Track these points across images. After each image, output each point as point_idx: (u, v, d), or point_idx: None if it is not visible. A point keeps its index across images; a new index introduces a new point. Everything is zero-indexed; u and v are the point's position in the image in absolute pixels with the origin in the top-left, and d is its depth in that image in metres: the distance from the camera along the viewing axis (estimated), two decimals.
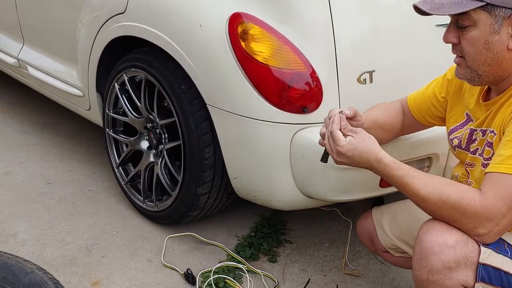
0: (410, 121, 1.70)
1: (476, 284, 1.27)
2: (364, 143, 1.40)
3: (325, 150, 1.52)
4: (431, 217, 1.63)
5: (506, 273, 1.28)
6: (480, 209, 1.23)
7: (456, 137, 1.52)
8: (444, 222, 1.31)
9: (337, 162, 1.45)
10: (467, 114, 1.50)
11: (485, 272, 1.26)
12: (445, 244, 1.26)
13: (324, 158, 1.54)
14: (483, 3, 1.26)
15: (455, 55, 1.38)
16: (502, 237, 1.32)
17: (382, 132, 1.64)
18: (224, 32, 1.80)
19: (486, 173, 1.29)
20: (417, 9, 1.36)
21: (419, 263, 1.30)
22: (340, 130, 1.42)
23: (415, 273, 1.32)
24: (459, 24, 1.31)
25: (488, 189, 1.25)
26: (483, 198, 1.24)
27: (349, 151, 1.39)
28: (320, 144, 1.53)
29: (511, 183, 1.23)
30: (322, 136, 1.51)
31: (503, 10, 1.26)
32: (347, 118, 1.46)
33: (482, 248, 1.27)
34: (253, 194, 1.96)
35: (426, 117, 1.66)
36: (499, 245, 1.30)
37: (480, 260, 1.26)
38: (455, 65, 1.42)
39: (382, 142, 1.67)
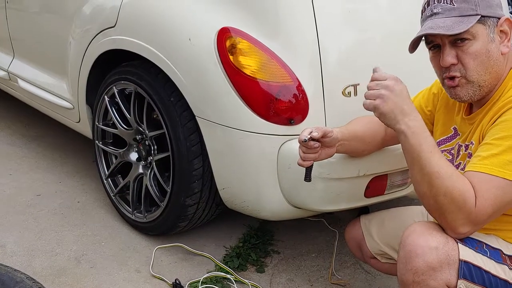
0: (393, 133, 1.74)
1: (458, 281, 1.30)
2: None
3: (306, 169, 1.55)
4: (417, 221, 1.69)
5: (487, 272, 1.32)
6: (473, 209, 1.27)
7: (445, 150, 1.56)
8: (433, 214, 1.33)
9: (379, 97, 1.37)
10: (454, 128, 1.55)
11: (466, 269, 1.30)
12: (428, 246, 1.30)
13: (308, 177, 1.57)
14: (479, 16, 1.35)
15: (450, 78, 1.39)
16: (480, 238, 1.37)
17: (362, 144, 1.69)
18: (212, 46, 1.84)
19: (466, 172, 1.32)
20: (414, 45, 1.43)
21: (404, 267, 1.33)
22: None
23: (401, 277, 1.35)
24: (456, 41, 1.36)
25: (478, 190, 1.27)
26: (477, 199, 1.27)
27: (399, 84, 1.36)
28: (299, 164, 1.56)
29: (492, 184, 1.27)
30: (302, 158, 1.54)
31: (492, 20, 1.37)
32: (316, 139, 1.50)
33: (460, 245, 1.32)
34: (241, 204, 1.98)
35: None
36: (477, 245, 1.34)
37: (461, 257, 1.30)
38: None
39: (362, 154, 1.72)
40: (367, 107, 1.39)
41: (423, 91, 1.70)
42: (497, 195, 1.27)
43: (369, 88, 1.40)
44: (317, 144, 1.52)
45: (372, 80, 1.40)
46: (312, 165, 1.57)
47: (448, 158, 1.55)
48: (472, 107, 1.49)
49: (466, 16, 1.35)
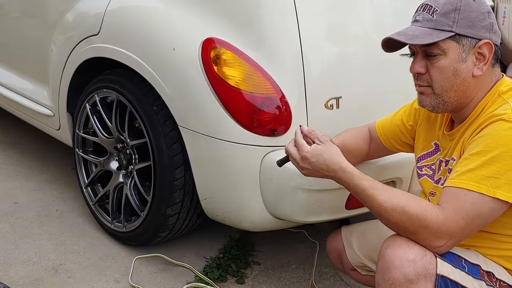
0: (377, 146, 1.76)
1: None
2: (329, 151, 1.46)
3: (286, 156, 1.57)
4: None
5: (463, 287, 1.33)
6: (441, 222, 1.29)
7: (426, 165, 1.58)
8: (404, 236, 1.35)
9: (302, 169, 1.50)
10: (435, 143, 1.56)
11: (443, 283, 1.31)
12: (406, 258, 1.31)
13: (282, 163, 1.60)
14: (452, 33, 1.35)
15: (417, 85, 1.44)
16: (460, 253, 1.38)
17: (349, 158, 1.69)
18: (197, 56, 1.84)
19: (444, 187, 1.35)
20: (385, 44, 1.45)
21: (382, 277, 1.34)
22: (307, 135, 1.51)
23: None
24: (427, 53, 1.39)
25: (447, 204, 1.30)
26: (443, 212, 1.29)
27: (314, 156, 1.46)
28: (286, 147, 1.56)
29: (468, 198, 1.29)
30: (291, 142, 1.55)
31: (469, 40, 1.36)
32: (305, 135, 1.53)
33: (439, 260, 1.33)
34: (223, 215, 1.98)
35: (393, 143, 1.73)
36: (456, 261, 1.35)
37: (438, 272, 1.31)
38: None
39: None
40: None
41: (405, 106, 1.72)
42: (470, 209, 1.29)
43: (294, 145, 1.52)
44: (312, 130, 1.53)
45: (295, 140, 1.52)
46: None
47: (429, 173, 1.56)
48: (454, 123, 1.51)
49: (439, 30, 1.36)
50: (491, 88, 1.42)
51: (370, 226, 1.78)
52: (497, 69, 1.43)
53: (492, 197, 1.28)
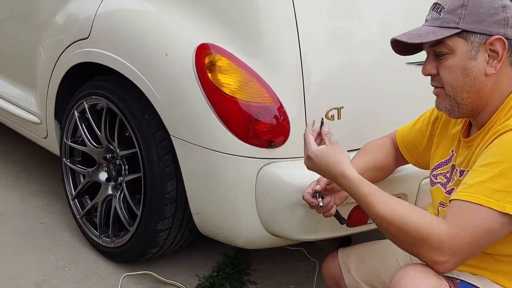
0: (401, 156, 1.70)
1: None
2: (333, 155, 1.43)
3: (334, 216, 1.58)
4: (399, 259, 1.61)
5: None
6: (444, 237, 1.22)
7: (441, 173, 1.50)
8: (405, 250, 1.31)
9: (306, 164, 1.50)
10: (452, 151, 1.49)
11: None
12: None
13: (342, 220, 1.62)
14: (458, 30, 1.29)
15: (434, 87, 1.39)
16: (470, 281, 1.30)
17: (375, 173, 1.64)
18: (190, 62, 1.77)
19: (450, 200, 1.28)
20: (394, 45, 1.40)
21: None
22: (322, 135, 1.51)
23: None
24: (436, 53, 1.33)
25: (452, 218, 1.24)
26: (448, 227, 1.22)
27: (316, 157, 1.45)
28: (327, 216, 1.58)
29: (476, 213, 1.21)
30: (323, 212, 1.56)
31: (478, 36, 1.29)
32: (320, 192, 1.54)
33: None
34: (216, 231, 1.89)
35: (414, 157, 1.66)
36: None
37: None
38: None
39: (376, 181, 1.63)
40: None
41: (425, 113, 1.64)
42: (479, 224, 1.21)
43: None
44: (329, 198, 1.54)
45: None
46: (336, 209, 1.58)
47: (443, 182, 1.49)
48: (471, 129, 1.43)
49: (444, 27, 1.30)
50: (509, 94, 1.32)
51: (370, 249, 1.69)
52: None
53: (502, 212, 1.20)
